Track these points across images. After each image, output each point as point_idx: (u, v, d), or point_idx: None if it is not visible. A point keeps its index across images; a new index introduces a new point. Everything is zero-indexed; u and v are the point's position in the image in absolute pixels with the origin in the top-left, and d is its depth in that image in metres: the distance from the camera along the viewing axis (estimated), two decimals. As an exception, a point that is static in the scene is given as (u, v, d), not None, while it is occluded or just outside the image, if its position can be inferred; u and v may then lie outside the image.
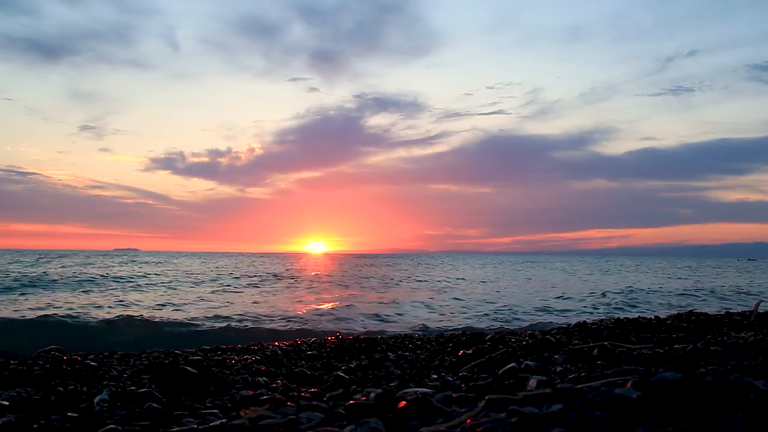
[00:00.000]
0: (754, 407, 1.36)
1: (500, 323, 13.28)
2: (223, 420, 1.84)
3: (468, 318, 14.25)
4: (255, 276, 29.69)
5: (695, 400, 1.43)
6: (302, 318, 13.76)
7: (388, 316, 14.49)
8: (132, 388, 3.00)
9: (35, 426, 2.00)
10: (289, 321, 13.08)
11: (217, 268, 39.95)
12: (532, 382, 2.10)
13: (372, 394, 1.89)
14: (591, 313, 15.41)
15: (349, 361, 4.55)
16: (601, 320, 6.69)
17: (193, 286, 21.83)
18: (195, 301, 16.90)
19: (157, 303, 16.01)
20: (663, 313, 6.76)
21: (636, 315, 6.80)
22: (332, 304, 17.45)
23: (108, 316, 13.02)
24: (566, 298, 19.72)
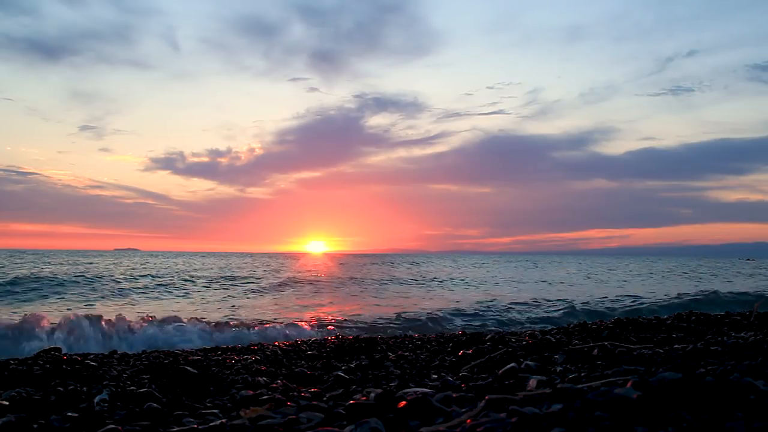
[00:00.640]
0: (754, 407, 1.36)
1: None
2: (223, 420, 1.84)
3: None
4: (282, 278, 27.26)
5: (695, 400, 1.43)
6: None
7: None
8: (132, 388, 3.00)
9: (35, 426, 2.00)
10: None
11: (247, 269, 37.83)
12: (532, 382, 2.10)
13: (372, 394, 1.89)
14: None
15: (349, 361, 4.55)
16: (601, 320, 6.69)
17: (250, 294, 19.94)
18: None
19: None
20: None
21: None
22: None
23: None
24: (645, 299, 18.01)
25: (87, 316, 10.43)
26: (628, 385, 1.56)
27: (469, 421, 1.48)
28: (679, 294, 21.14)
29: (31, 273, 24.36)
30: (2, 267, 31.15)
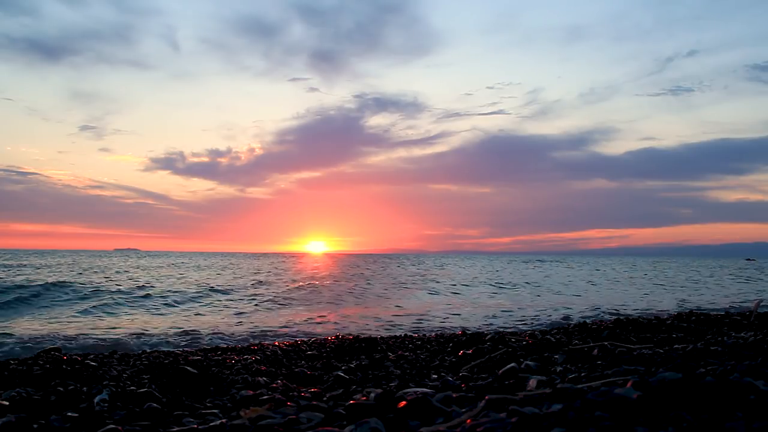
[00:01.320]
0: (754, 407, 1.36)
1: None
2: (223, 420, 1.84)
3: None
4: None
5: (695, 400, 1.43)
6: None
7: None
8: (132, 388, 3.00)
9: (35, 426, 2.00)
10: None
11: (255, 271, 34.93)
12: (532, 382, 2.10)
13: (372, 394, 1.89)
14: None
15: (349, 361, 4.55)
16: (601, 320, 6.69)
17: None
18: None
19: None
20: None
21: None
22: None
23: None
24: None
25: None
26: (628, 385, 1.56)
27: (469, 421, 1.48)
28: None
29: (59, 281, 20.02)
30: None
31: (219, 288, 20.36)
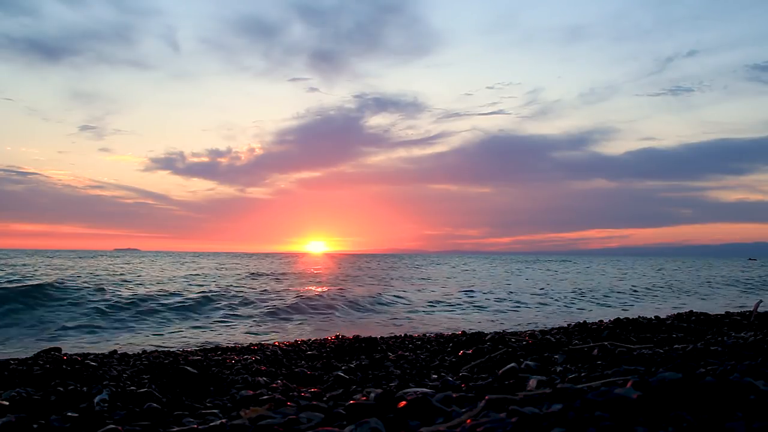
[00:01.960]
0: (754, 407, 1.36)
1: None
2: (223, 420, 1.84)
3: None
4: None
5: (695, 400, 1.43)
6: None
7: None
8: (132, 388, 3.00)
9: (35, 426, 2.00)
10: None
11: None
12: (532, 382, 2.10)
13: (372, 394, 1.89)
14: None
15: (349, 361, 4.55)
16: (601, 320, 6.69)
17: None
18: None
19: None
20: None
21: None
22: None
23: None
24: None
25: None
26: (628, 385, 1.56)
27: (469, 421, 1.48)
28: None
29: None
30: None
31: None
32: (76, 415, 2.16)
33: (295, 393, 2.98)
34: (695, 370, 2.05)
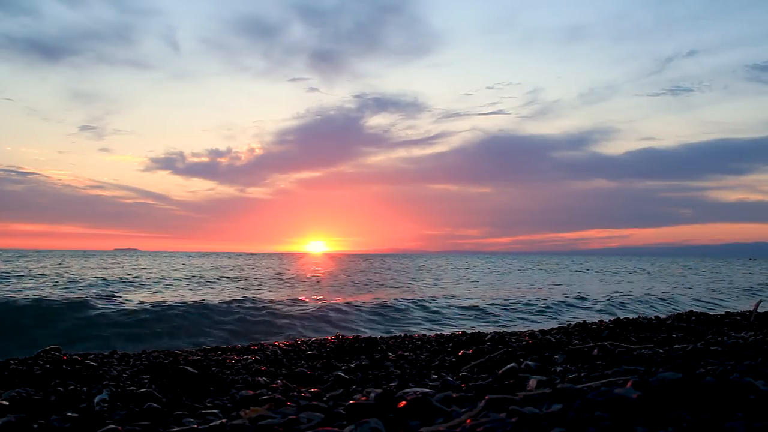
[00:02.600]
0: (754, 407, 1.36)
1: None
2: (223, 420, 1.84)
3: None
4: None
5: (695, 400, 1.43)
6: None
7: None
8: (132, 388, 3.00)
9: (35, 426, 2.00)
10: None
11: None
12: (532, 382, 2.10)
13: (372, 394, 1.89)
14: None
15: (349, 361, 4.55)
16: (601, 320, 6.69)
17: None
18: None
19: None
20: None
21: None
22: None
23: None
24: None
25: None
26: (628, 385, 1.56)
27: (469, 421, 1.48)
28: None
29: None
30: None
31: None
32: (76, 415, 2.16)
33: (295, 393, 2.98)
34: (695, 370, 2.05)
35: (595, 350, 3.35)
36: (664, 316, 6.91)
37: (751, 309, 6.76)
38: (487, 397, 1.65)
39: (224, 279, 25.27)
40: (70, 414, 2.17)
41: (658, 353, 2.99)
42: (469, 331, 6.47)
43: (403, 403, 1.70)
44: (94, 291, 16.38)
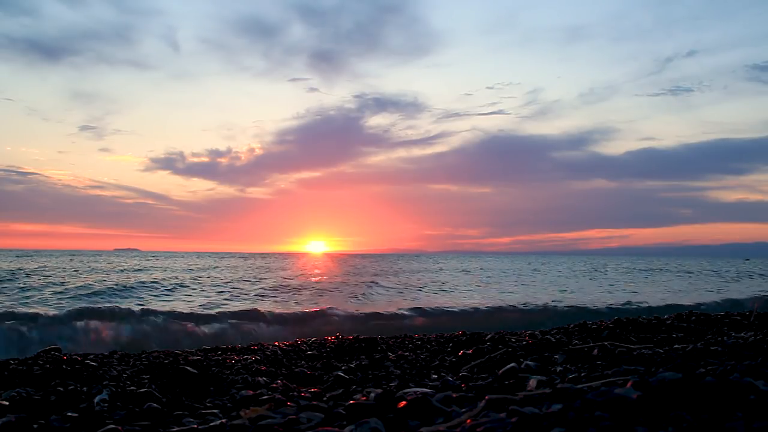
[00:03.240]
0: (754, 407, 1.36)
1: None
2: (223, 420, 1.84)
3: None
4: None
5: (695, 400, 1.43)
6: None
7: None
8: (132, 388, 3.00)
9: (35, 426, 2.00)
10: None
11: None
12: (532, 382, 2.10)
13: (372, 394, 1.89)
14: None
15: (349, 361, 4.55)
16: (601, 320, 6.69)
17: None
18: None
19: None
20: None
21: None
22: None
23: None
24: None
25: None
26: (628, 385, 1.56)
27: (469, 421, 1.48)
28: None
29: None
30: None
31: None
32: (76, 415, 2.16)
33: (295, 393, 2.98)
34: (695, 370, 2.05)
35: (595, 350, 3.35)
36: (664, 317, 6.91)
37: (752, 309, 6.75)
38: (487, 397, 1.65)
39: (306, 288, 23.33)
40: (70, 414, 2.17)
41: (658, 353, 2.99)
42: (469, 331, 6.47)
43: (403, 403, 1.70)
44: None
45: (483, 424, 1.41)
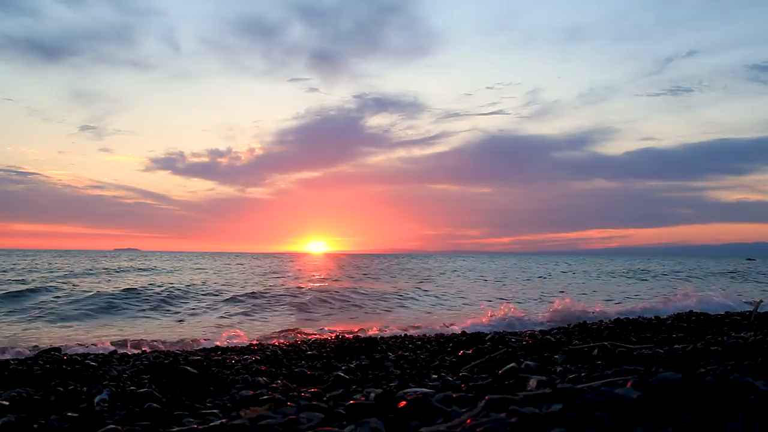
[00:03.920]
0: (754, 407, 1.36)
1: None
2: (223, 420, 1.84)
3: None
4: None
5: (695, 400, 1.43)
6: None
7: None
8: (132, 388, 3.00)
9: (35, 426, 2.00)
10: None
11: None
12: (532, 382, 2.10)
13: (372, 394, 1.89)
14: None
15: (349, 361, 4.55)
16: (601, 320, 6.69)
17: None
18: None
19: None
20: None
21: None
22: None
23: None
24: None
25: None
26: (628, 385, 1.56)
27: (469, 421, 1.48)
28: None
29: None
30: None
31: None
32: (76, 415, 2.16)
33: (295, 393, 2.98)
34: (695, 370, 2.05)
35: (595, 350, 3.35)
36: (664, 317, 6.91)
37: (752, 309, 6.76)
38: (487, 397, 1.65)
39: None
40: (70, 414, 2.17)
41: (658, 353, 2.99)
42: (469, 331, 6.48)
43: (403, 403, 1.70)
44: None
45: (483, 424, 1.41)
